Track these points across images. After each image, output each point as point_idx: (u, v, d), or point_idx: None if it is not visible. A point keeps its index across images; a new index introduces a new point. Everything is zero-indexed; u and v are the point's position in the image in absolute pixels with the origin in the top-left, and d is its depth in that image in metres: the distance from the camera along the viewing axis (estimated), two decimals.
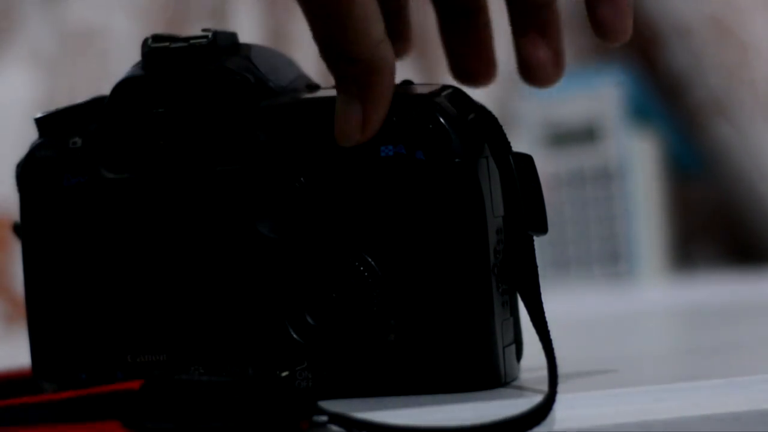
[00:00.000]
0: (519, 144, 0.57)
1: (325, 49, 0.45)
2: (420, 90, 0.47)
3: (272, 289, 0.47)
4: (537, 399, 0.42)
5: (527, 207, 0.46)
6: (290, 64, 0.51)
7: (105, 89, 0.49)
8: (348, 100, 0.45)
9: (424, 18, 0.60)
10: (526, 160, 0.46)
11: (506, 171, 0.46)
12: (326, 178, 0.46)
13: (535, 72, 0.53)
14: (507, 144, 0.46)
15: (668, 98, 1.37)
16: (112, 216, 0.48)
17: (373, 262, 0.46)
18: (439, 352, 0.46)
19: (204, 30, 0.48)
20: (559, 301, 1.15)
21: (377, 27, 0.45)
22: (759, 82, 1.31)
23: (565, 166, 1.31)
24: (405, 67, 0.48)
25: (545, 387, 0.43)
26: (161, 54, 0.48)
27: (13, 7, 1.40)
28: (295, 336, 0.47)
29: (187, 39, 0.48)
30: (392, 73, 0.46)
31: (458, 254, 0.46)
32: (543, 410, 0.41)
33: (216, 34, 0.48)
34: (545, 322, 0.46)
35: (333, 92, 0.48)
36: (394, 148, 0.46)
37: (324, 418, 0.40)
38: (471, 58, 0.55)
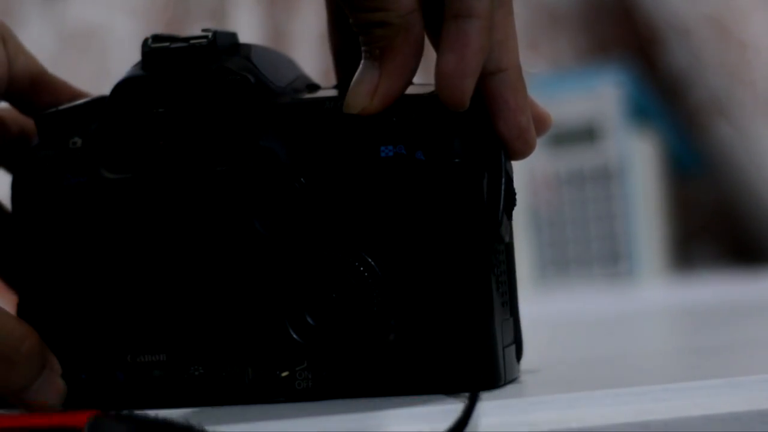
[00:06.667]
0: None
1: (356, 14, 0.46)
2: (420, 90, 0.47)
3: (272, 289, 0.47)
4: (535, 400, 0.43)
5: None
6: (290, 64, 0.51)
7: (105, 89, 0.49)
8: (368, 65, 0.46)
9: None
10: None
11: (496, 172, 0.46)
12: (326, 179, 0.46)
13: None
14: (501, 146, 0.46)
15: (668, 98, 1.37)
16: (112, 216, 0.48)
17: (373, 262, 0.46)
18: (439, 352, 0.46)
19: (204, 30, 0.48)
20: (559, 300, 1.16)
21: None
22: (759, 82, 1.31)
23: (565, 166, 1.31)
24: None
25: (545, 387, 0.43)
26: (161, 54, 0.48)
27: (13, 7, 1.40)
28: (295, 336, 0.47)
29: (187, 39, 0.48)
30: (417, 45, 0.46)
31: (458, 254, 0.46)
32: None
33: (216, 34, 0.48)
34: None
35: (333, 92, 0.48)
36: (394, 149, 0.46)
37: None
38: None
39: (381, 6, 0.45)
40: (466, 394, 0.45)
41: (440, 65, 0.45)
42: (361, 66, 0.46)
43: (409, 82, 0.46)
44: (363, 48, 0.46)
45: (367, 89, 0.45)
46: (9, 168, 0.52)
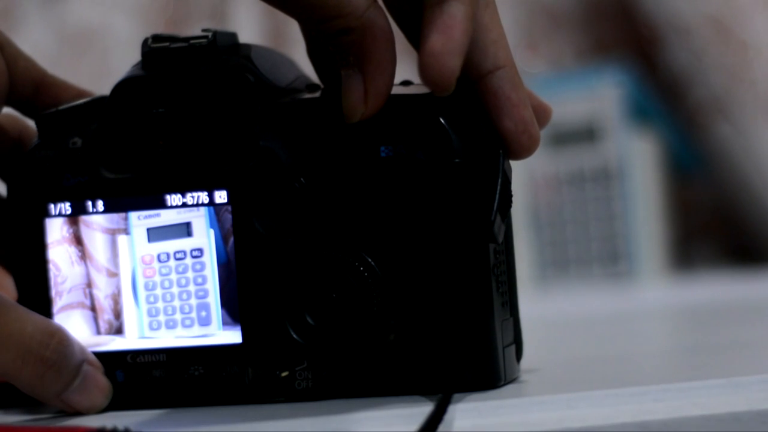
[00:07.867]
0: None
1: (318, 28, 0.45)
2: (420, 90, 0.47)
3: (272, 289, 0.47)
4: (535, 400, 0.43)
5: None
6: (290, 64, 0.51)
7: (105, 89, 0.49)
8: (349, 73, 0.45)
9: None
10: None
11: (494, 173, 0.46)
12: (326, 179, 0.46)
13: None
14: (500, 147, 0.46)
15: (668, 98, 1.37)
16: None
17: (373, 262, 0.46)
18: (439, 352, 0.46)
19: (204, 30, 0.48)
20: (559, 300, 1.16)
21: None
22: (759, 82, 1.31)
23: (565, 166, 1.31)
24: (405, 67, 0.48)
25: (545, 387, 0.43)
26: (161, 54, 0.48)
27: (13, 7, 1.40)
28: (295, 336, 0.47)
29: (187, 39, 0.48)
30: (386, 37, 0.45)
31: (458, 254, 0.46)
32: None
33: (216, 34, 0.48)
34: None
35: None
36: (394, 149, 0.46)
37: None
38: None
39: (336, 13, 0.44)
40: (466, 394, 0.45)
41: (426, 46, 0.44)
42: (343, 76, 0.45)
43: (394, 73, 0.46)
44: (338, 59, 0.45)
45: (357, 97, 0.45)
46: (3, 176, 0.52)
